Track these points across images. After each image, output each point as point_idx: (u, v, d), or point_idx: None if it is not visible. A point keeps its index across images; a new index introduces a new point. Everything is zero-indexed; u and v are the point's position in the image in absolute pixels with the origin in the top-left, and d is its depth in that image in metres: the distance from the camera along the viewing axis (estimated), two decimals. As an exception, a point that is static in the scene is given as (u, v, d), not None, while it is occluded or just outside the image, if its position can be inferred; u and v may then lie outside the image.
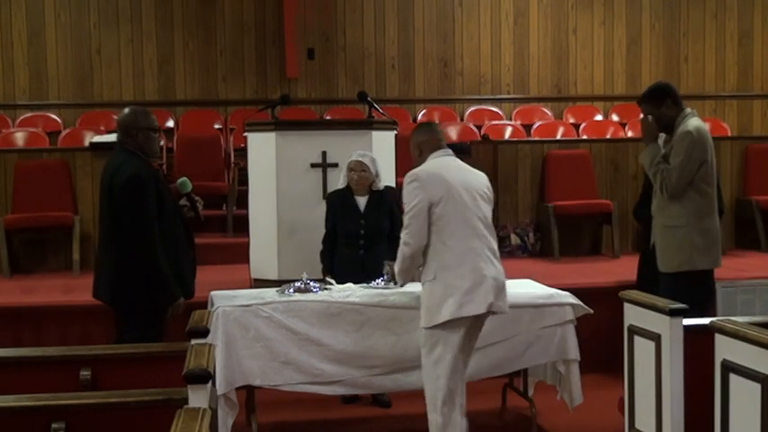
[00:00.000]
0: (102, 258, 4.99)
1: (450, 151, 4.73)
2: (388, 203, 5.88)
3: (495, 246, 4.65)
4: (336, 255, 5.85)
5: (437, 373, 4.53)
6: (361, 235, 5.77)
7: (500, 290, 4.59)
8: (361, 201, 5.84)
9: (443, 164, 4.65)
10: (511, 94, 11.31)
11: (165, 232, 4.82)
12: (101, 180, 5.01)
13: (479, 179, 4.72)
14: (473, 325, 4.60)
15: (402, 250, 4.57)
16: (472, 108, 11.18)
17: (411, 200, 4.52)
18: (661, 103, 5.36)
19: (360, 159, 5.83)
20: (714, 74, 11.67)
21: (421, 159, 4.70)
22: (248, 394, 5.19)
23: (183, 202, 5.17)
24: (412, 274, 4.68)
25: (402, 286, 5.07)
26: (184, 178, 5.25)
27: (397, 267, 4.66)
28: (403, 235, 4.56)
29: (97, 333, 5.94)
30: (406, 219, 4.54)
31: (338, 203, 5.87)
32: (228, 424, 4.91)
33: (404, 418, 5.76)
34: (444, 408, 4.52)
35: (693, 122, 5.30)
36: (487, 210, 4.66)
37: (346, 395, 5.76)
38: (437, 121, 10.95)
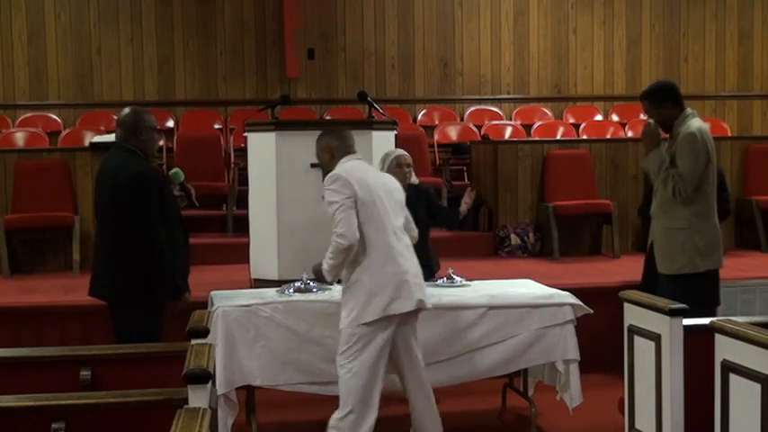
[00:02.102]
0: (102, 256, 4.96)
1: (361, 156, 4.81)
2: (424, 197, 5.87)
3: (410, 243, 4.73)
4: None
5: (352, 372, 4.51)
6: None
7: (422, 286, 4.67)
8: None
9: (360, 166, 4.73)
10: (511, 95, 11.32)
11: (167, 231, 4.83)
12: (99, 177, 5.00)
13: (394, 183, 4.83)
14: (403, 326, 4.62)
15: (337, 244, 4.50)
16: (472, 108, 11.19)
17: (337, 197, 4.52)
18: (662, 104, 5.37)
19: (405, 153, 5.82)
20: (714, 74, 11.68)
21: (332, 163, 4.73)
22: (248, 394, 5.19)
23: (177, 192, 5.19)
24: (341, 272, 4.61)
25: (331, 283, 4.96)
26: (176, 169, 5.30)
27: (330, 262, 4.54)
28: (337, 229, 4.50)
29: (97, 333, 5.94)
30: (337, 213, 4.50)
31: None
32: (228, 424, 4.91)
33: (405, 419, 5.77)
34: (352, 415, 4.50)
35: (695, 123, 5.30)
36: (401, 212, 4.75)
37: None
38: (437, 122, 10.97)
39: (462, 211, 5.76)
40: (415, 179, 5.89)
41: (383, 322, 4.51)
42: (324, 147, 4.81)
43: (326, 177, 4.64)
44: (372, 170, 4.85)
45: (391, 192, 4.72)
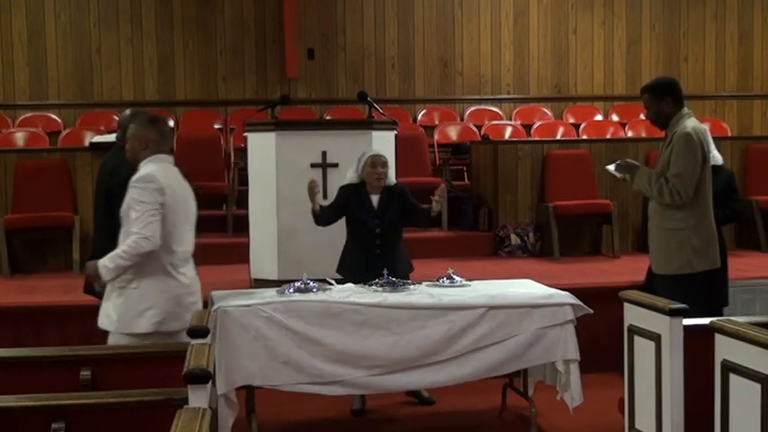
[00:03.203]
0: (96, 254, 4.98)
1: (172, 159, 4.63)
2: (398, 198, 5.75)
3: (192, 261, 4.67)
4: (350, 253, 5.77)
5: None
6: (377, 234, 5.69)
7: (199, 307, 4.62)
8: (374, 198, 5.74)
9: (172, 172, 4.57)
10: (511, 95, 11.31)
11: None
12: (97, 177, 5.06)
13: (191, 192, 4.67)
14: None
15: (139, 246, 4.32)
16: (472, 108, 11.19)
17: (149, 198, 4.36)
18: (662, 99, 5.36)
19: (381, 154, 5.75)
20: (714, 74, 11.68)
21: (141, 154, 4.55)
22: (248, 394, 5.19)
23: None
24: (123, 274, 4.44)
25: (106, 281, 4.60)
26: None
27: (121, 262, 4.36)
28: (141, 230, 4.33)
29: (97, 333, 5.92)
30: (146, 215, 4.34)
31: (354, 195, 5.71)
32: (228, 424, 4.91)
33: (399, 420, 5.77)
34: None
35: (691, 123, 5.30)
36: (193, 224, 4.66)
37: (355, 408, 5.80)
38: (437, 122, 10.96)
39: (433, 209, 5.55)
40: (391, 180, 5.80)
41: (153, 337, 4.43)
42: (139, 135, 4.56)
43: (141, 176, 4.43)
44: (178, 176, 4.61)
45: (190, 204, 4.63)
